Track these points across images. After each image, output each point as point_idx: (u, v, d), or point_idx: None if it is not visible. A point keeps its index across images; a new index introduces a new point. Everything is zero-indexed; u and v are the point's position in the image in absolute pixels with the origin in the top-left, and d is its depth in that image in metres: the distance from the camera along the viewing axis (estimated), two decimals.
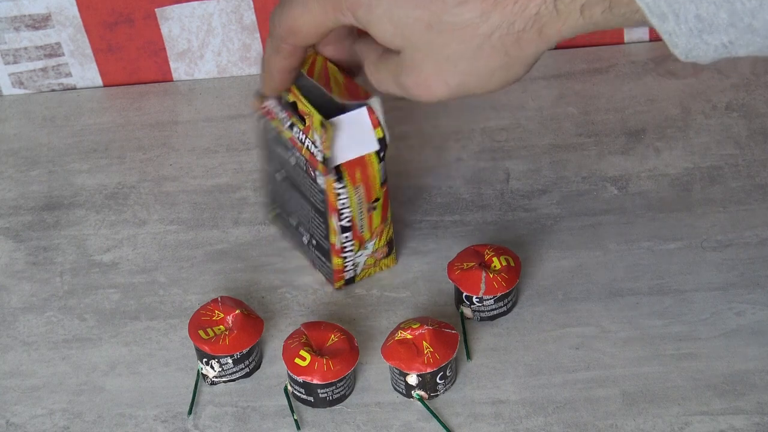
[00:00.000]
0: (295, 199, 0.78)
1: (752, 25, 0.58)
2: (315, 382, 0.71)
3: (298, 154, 0.75)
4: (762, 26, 0.58)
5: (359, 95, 0.75)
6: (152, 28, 0.94)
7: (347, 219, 0.76)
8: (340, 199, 0.75)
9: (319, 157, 0.73)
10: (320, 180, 0.74)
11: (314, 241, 0.78)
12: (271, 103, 0.76)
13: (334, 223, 0.76)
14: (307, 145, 0.74)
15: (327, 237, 0.77)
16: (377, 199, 0.76)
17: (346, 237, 0.77)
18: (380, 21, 0.65)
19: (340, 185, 0.74)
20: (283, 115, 0.75)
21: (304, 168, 0.75)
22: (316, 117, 0.73)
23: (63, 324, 0.79)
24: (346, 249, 0.77)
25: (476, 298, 0.76)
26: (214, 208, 0.87)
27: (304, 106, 0.74)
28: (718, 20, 0.58)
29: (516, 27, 0.63)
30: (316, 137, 0.73)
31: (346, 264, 0.78)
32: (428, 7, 0.63)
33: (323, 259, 0.79)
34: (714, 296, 0.77)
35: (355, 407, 0.73)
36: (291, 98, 0.75)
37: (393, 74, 0.67)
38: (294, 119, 0.75)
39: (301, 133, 0.74)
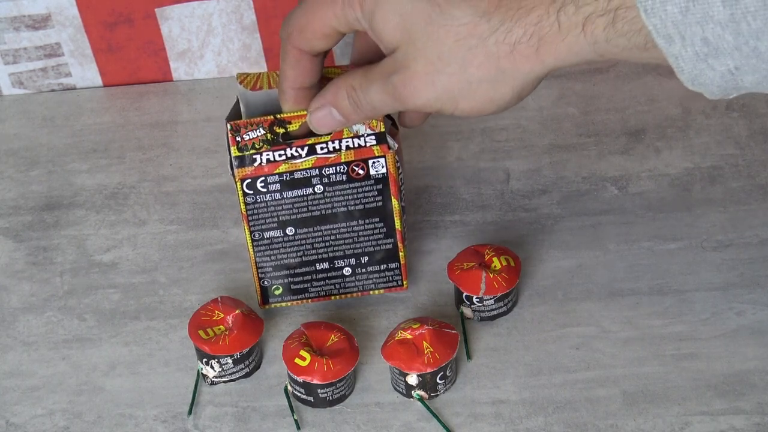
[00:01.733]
0: (321, 239, 0.75)
1: (757, 48, 0.57)
2: (315, 382, 0.71)
3: (331, 170, 0.73)
4: (767, 50, 0.57)
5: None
6: (152, 28, 0.94)
7: (403, 197, 0.75)
8: (400, 174, 0.74)
9: (372, 141, 0.73)
10: (377, 166, 0.73)
11: (364, 258, 0.76)
12: (253, 134, 0.72)
13: (398, 204, 0.74)
14: (347, 145, 0.73)
15: (387, 234, 0.75)
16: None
17: (405, 219, 0.75)
18: (385, 12, 0.65)
19: (397, 156, 0.73)
20: (290, 151, 0.73)
21: (345, 176, 0.73)
22: None
23: (63, 324, 0.79)
24: (405, 236, 0.76)
25: (476, 298, 0.76)
26: (214, 208, 0.87)
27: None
28: (724, 43, 0.58)
29: (514, 35, 0.62)
30: (359, 126, 0.72)
31: (406, 255, 0.77)
32: None
33: (383, 267, 0.77)
34: (714, 296, 0.77)
35: (355, 407, 0.73)
36: (292, 128, 0.72)
37: (386, 74, 0.66)
38: (310, 140, 0.72)
39: (329, 144, 0.73)
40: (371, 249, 0.76)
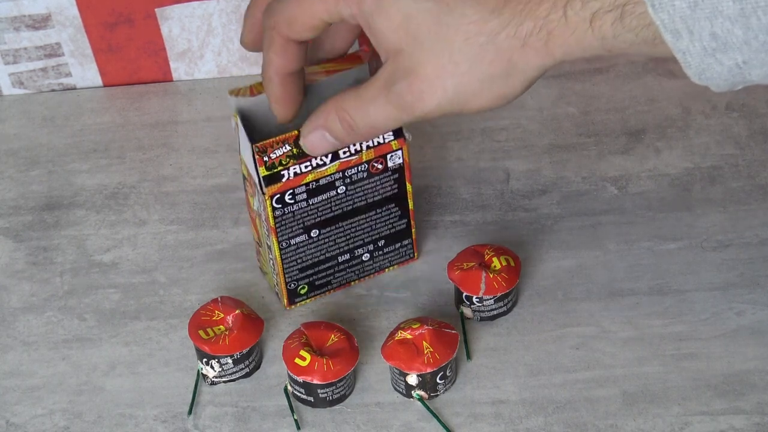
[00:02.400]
0: (342, 234, 0.77)
1: (767, 42, 0.57)
2: (315, 382, 0.71)
3: (353, 170, 0.74)
4: None
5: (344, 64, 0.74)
6: (152, 28, 0.94)
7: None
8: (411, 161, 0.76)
9: (391, 137, 0.74)
10: (395, 158, 0.75)
11: (381, 242, 0.78)
12: (279, 152, 0.72)
13: (410, 187, 0.77)
14: (367, 145, 0.73)
15: (401, 216, 0.77)
16: None
17: (419, 218, 0.77)
18: (387, 12, 0.63)
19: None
20: (315, 161, 0.73)
21: (366, 173, 0.74)
22: None
23: (63, 324, 0.79)
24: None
25: (476, 298, 0.76)
26: (214, 208, 0.87)
27: None
28: (733, 38, 0.58)
29: (524, 29, 0.61)
30: None
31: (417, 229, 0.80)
32: None
33: (398, 245, 0.79)
34: (714, 296, 0.77)
35: (355, 407, 0.73)
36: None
37: (386, 85, 0.64)
38: None
39: (351, 147, 0.73)
40: (387, 232, 0.78)
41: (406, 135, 0.74)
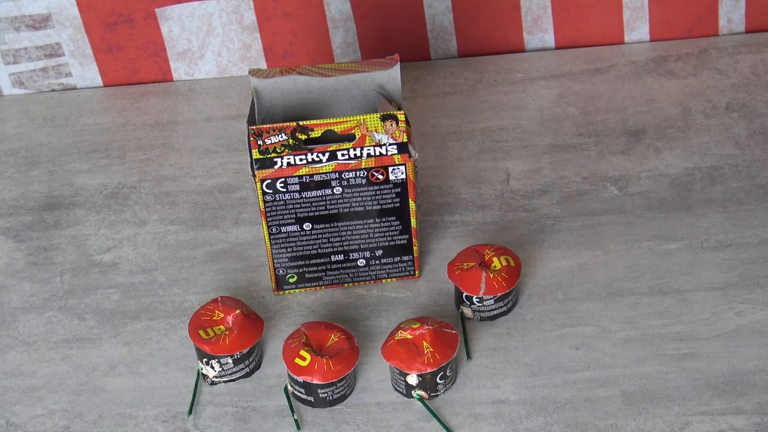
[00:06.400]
0: (337, 234, 0.77)
1: None
2: (315, 382, 0.71)
3: (351, 174, 0.75)
4: None
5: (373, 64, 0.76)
6: (152, 28, 0.94)
7: (419, 196, 0.77)
8: (417, 176, 0.76)
9: (394, 150, 0.74)
10: (397, 172, 0.75)
11: (379, 252, 0.78)
12: (273, 140, 0.74)
13: (415, 206, 0.77)
14: (368, 153, 0.74)
15: (403, 231, 0.77)
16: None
17: (419, 218, 0.77)
18: None
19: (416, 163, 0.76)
20: (311, 156, 0.74)
21: (365, 180, 0.75)
22: (373, 117, 0.73)
23: (63, 324, 0.79)
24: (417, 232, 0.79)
25: (476, 298, 0.76)
26: (214, 208, 0.87)
27: (345, 123, 0.73)
28: None
29: None
30: (381, 136, 0.74)
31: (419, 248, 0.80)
32: None
33: (397, 259, 0.79)
34: (714, 296, 0.77)
35: (355, 407, 0.73)
36: (314, 135, 0.74)
37: None
38: (333, 146, 0.74)
39: (350, 151, 0.74)
40: (386, 243, 0.78)
41: (412, 152, 0.75)
